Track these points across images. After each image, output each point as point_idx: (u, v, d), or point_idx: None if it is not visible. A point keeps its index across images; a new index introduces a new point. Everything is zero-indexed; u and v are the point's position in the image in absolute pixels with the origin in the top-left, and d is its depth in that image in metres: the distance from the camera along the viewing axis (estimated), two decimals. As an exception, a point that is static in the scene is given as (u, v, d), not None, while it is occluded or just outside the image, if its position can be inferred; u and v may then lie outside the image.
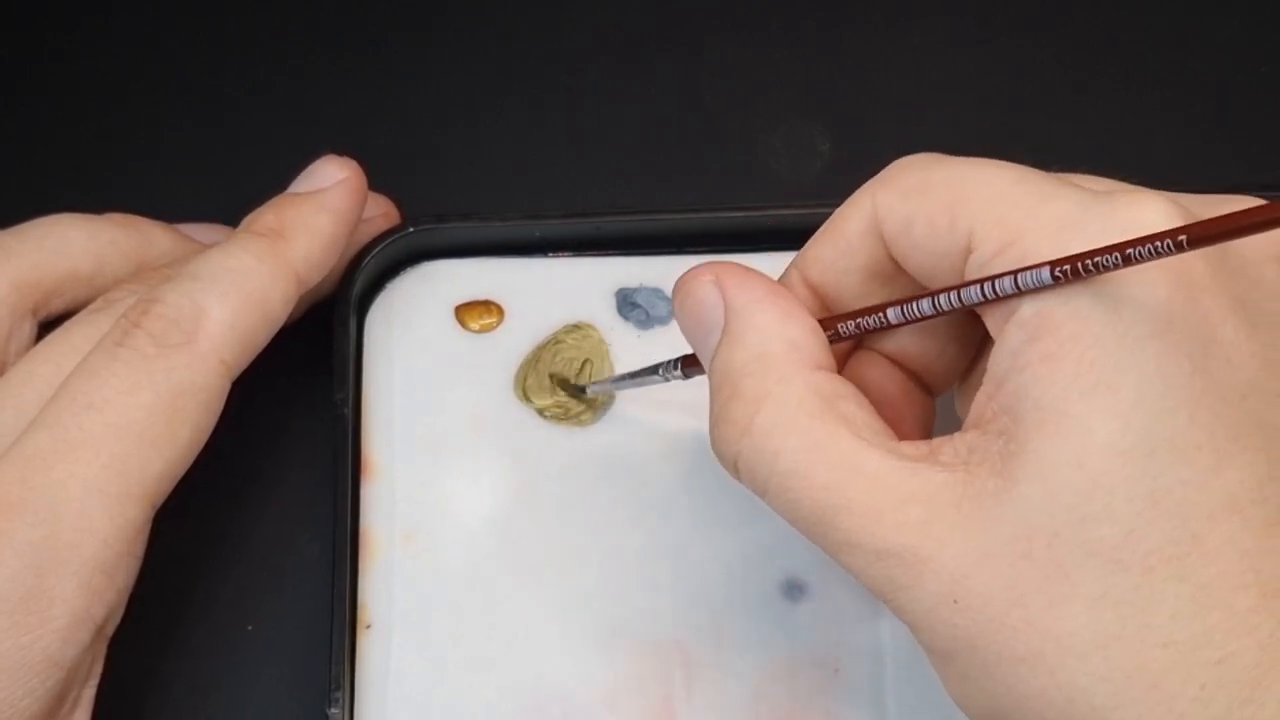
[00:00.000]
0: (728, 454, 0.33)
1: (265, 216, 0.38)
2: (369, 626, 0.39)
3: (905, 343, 0.35)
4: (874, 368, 0.35)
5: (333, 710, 0.37)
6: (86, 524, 0.34)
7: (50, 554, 0.33)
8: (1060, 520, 0.29)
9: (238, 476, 0.41)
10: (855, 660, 0.38)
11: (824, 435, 0.31)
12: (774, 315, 0.33)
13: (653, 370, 0.38)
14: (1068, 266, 0.29)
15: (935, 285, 0.33)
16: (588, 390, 0.41)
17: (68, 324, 0.37)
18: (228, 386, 0.36)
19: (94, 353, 0.35)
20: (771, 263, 0.43)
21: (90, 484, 0.34)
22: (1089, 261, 0.29)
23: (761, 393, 0.32)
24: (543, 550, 0.40)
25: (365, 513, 0.40)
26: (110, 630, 0.35)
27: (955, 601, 0.30)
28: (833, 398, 0.32)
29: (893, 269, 0.34)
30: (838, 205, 0.34)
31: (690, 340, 0.35)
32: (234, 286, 0.36)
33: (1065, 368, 0.29)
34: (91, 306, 0.37)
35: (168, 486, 0.35)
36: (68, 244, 0.38)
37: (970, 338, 0.35)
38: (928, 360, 0.35)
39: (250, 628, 0.40)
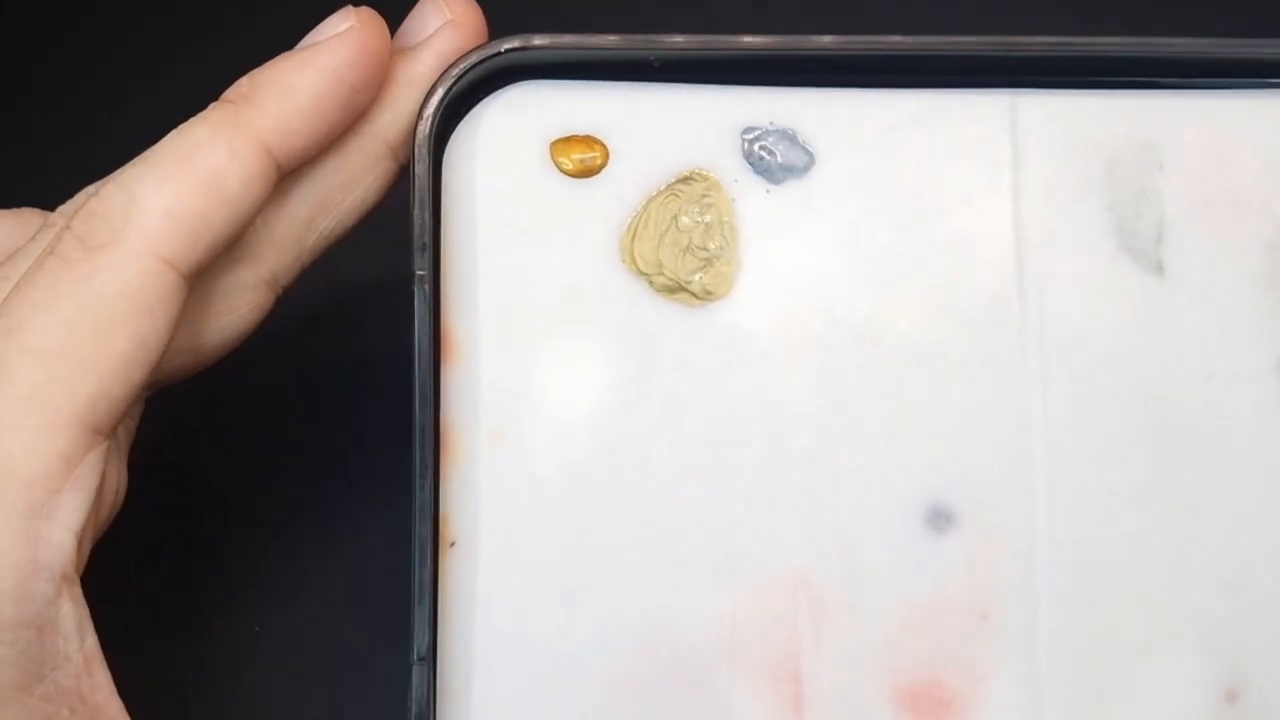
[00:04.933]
0: None
1: (239, 81, 0.33)
2: (453, 544, 0.34)
3: None
4: None
5: (417, 648, 0.32)
6: (5, 467, 0.29)
7: None
8: None
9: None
10: (1006, 605, 0.34)
11: None
12: None
13: None
14: None
15: None
16: None
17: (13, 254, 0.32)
18: (179, 285, 0.31)
19: (26, 270, 0.31)
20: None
21: (3, 422, 0.29)
22: None
23: None
24: (649, 457, 0.34)
25: (447, 404, 0.34)
26: (75, 573, 0.31)
27: None
28: None
29: None
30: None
31: None
32: (177, 167, 0.31)
33: None
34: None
35: (113, 406, 0.31)
36: None
37: None
38: None
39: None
